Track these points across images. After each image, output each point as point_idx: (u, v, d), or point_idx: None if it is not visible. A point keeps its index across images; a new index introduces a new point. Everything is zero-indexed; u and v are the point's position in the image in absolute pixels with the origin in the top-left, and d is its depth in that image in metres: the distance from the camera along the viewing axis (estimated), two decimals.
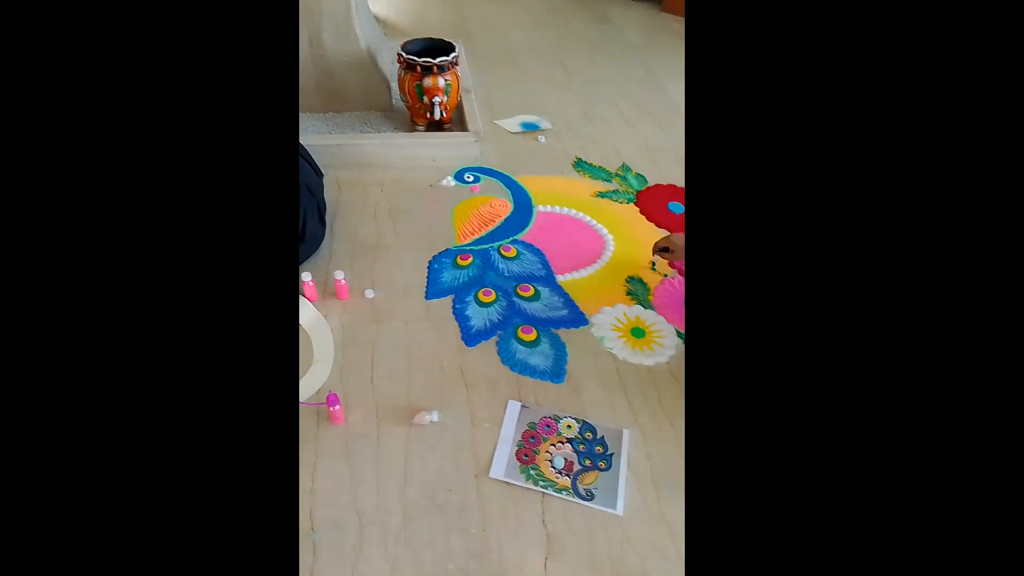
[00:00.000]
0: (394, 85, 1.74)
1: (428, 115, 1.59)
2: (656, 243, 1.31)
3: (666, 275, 1.34)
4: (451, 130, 1.69)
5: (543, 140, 1.75)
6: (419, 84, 1.56)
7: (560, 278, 1.32)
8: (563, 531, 0.89)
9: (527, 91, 1.99)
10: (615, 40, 2.39)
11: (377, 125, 1.70)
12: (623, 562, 0.86)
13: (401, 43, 1.61)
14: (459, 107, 1.72)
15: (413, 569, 0.83)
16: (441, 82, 1.55)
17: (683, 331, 1.22)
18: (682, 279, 1.33)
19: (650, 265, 1.35)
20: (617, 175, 1.64)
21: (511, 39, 2.34)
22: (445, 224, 1.43)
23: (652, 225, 1.49)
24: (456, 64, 1.60)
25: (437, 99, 1.55)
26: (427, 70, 1.54)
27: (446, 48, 1.61)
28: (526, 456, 0.98)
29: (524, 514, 0.91)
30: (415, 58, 1.54)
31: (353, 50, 1.62)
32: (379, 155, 1.55)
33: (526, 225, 1.45)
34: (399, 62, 1.59)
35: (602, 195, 1.56)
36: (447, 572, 0.83)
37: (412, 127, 1.68)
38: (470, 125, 1.63)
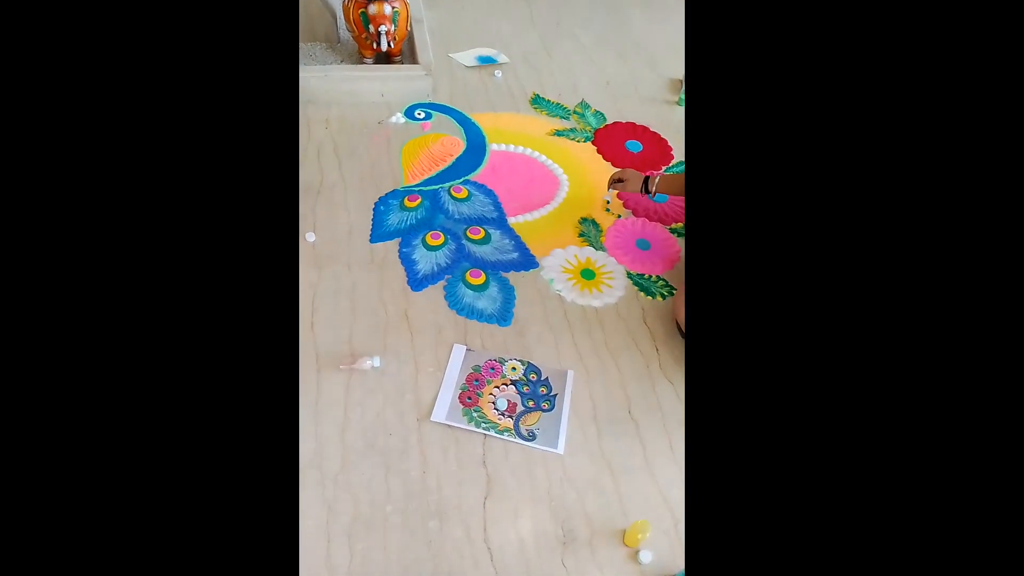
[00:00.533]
0: (341, 16, 1.62)
1: (375, 46, 1.49)
2: (612, 175, 1.28)
3: (619, 216, 1.32)
4: (401, 63, 1.60)
5: (499, 75, 1.67)
6: (364, 12, 1.45)
7: (512, 220, 1.28)
8: (503, 471, 0.90)
9: (484, 22, 1.88)
10: None
11: (322, 58, 1.60)
12: (561, 498, 0.88)
13: None
14: (410, 39, 1.62)
15: (351, 510, 0.84)
16: (387, 9, 1.45)
17: (633, 272, 1.21)
18: (634, 219, 1.31)
19: (604, 204, 1.33)
20: (575, 112, 1.58)
21: None
22: (393, 164, 1.37)
23: (608, 165, 1.45)
24: None
25: (383, 28, 1.45)
26: None
27: None
28: (469, 399, 0.97)
29: (464, 456, 0.91)
30: None
31: None
32: (322, 90, 1.46)
33: (479, 165, 1.40)
34: None
35: (559, 133, 1.51)
36: (385, 514, 0.84)
37: (360, 60, 1.58)
38: (420, 58, 1.54)
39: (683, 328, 1.05)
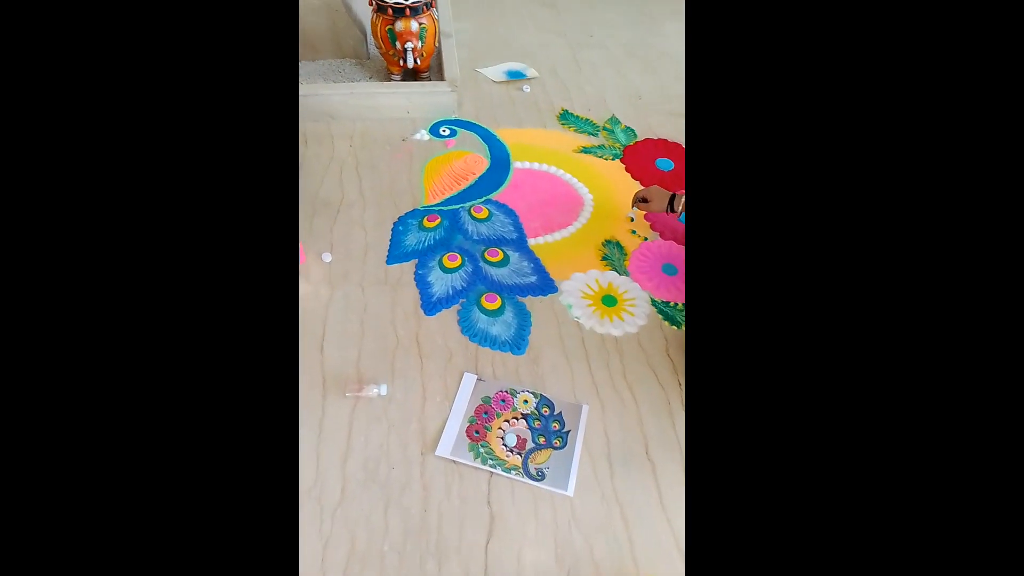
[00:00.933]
0: (369, 32, 1.62)
1: (401, 62, 1.48)
2: (636, 193, 1.22)
3: (645, 238, 1.26)
4: (429, 79, 1.58)
5: (527, 90, 1.63)
6: (391, 28, 1.45)
7: (532, 241, 1.24)
8: (508, 511, 0.86)
9: (514, 36, 1.86)
10: None
11: (350, 74, 1.60)
12: (568, 543, 0.83)
13: None
14: (437, 54, 1.61)
15: (347, 546, 0.81)
16: (414, 26, 1.44)
17: (658, 299, 1.15)
18: (661, 242, 1.25)
19: (628, 222, 1.27)
20: (604, 128, 1.53)
21: None
22: (415, 182, 1.35)
23: (637, 184, 1.39)
24: (432, 6, 1.48)
25: (410, 45, 1.44)
26: (399, 12, 1.43)
27: None
28: (477, 432, 0.93)
29: (468, 493, 0.87)
30: (386, 0, 1.43)
31: None
32: (348, 106, 1.46)
33: (501, 183, 1.37)
34: (370, 4, 1.47)
35: (586, 150, 1.46)
36: (382, 552, 0.81)
37: (388, 77, 1.58)
38: (447, 73, 1.52)
39: None
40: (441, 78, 1.54)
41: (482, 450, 0.91)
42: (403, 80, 1.56)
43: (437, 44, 1.57)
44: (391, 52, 1.49)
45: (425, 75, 1.58)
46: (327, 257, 1.16)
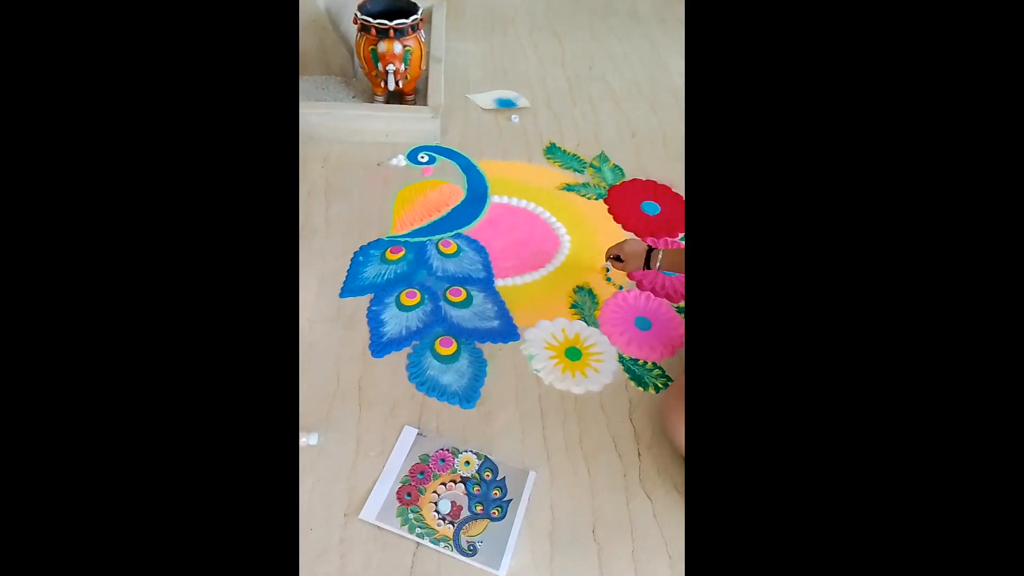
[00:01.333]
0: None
1: (383, 84, 1.43)
2: (609, 249, 1.14)
3: (620, 287, 1.18)
4: (415, 103, 1.53)
5: (516, 120, 1.57)
6: (374, 49, 1.40)
7: (500, 283, 1.17)
8: None
9: (512, 63, 1.80)
10: (621, 9, 2.16)
11: (335, 92, 1.55)
12: None
13: (360, 1, 1.44)
14: (425, 78, 1.56)
15: None
16: (398, 48, 1.39)
17: (626, 355, 1.06)
18: (638, 292, 1.17)
19: (603, 271, 1.19)
20: (592, 165, 1.46)
21: (505, 3, 2.14)
22: (385, 210, 1.29)
23: (619, 227, 1.32)
24: (418, 29, 1.43)
25: (391, 67, 1.39)
26: (383, 33, 1.38)
27: (411, 9, 1.44)
28: (408, 495, 0.85)
29: (390, 566, 0.79)
30: (370, 19, 1.38)
31: (309, 9, 1.46)
32: (325, 127, 1.40)
33: (475, 217, 1.30)
34: (355, 23, 1.42)
35: (569, 188, 1.39)
36: None
37: (373, 97, 1.52)
38: (431, 100, 1.47)
39: (672, 434, 0.90)
40: (427, 103, 1.48)
41: (411, 516, 0.83)
42: (387, 103, 1.51)
43: (424, 68, 1.52)
44: (374, 73, 1.44)
45: (410, 99, 1.53)
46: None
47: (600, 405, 0.99)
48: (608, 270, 1.19)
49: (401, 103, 1.52)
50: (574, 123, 1.59)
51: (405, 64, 1.42)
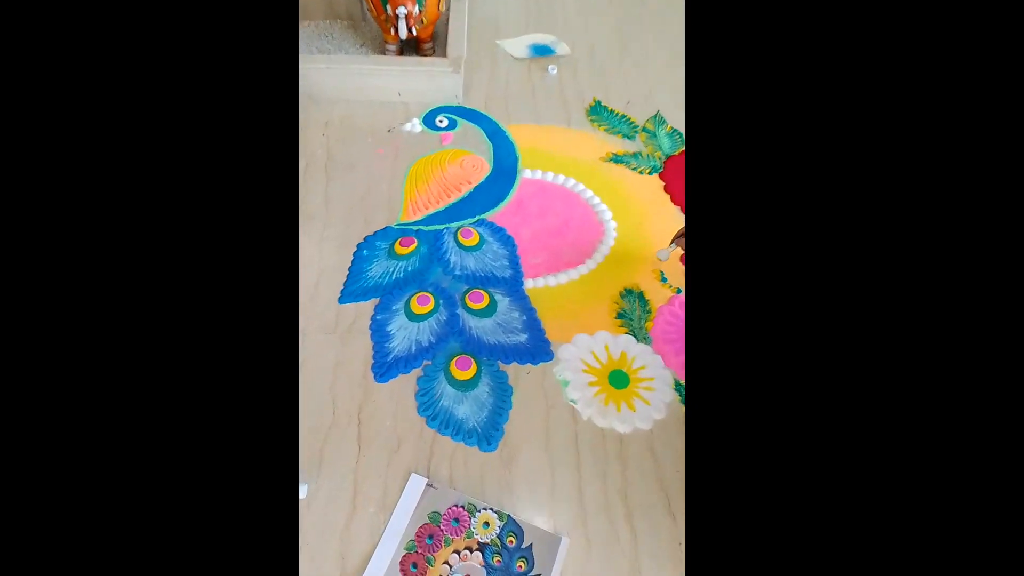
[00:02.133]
0: None
1: (394, 31, 1.19)
2: (681, 228, 0.93)
3: (678, 289, 0.97)
4: (433, 52, 1.29)
5: (554, 71, 1.32)
6: None
7: (530, 284, 0.97)
8: None
9: (548, 2, 1.52)
10: None
11: (340, 40, 1.32)
12: None
13: None
14: (445, 21, 1.31)
15: None
16: None
17: (683, 379, 0.87)
18: None
19: (656, 272, 0.98)
20: (644, 130, 1.22)
21: None
22: (395, 188, 1.09)
23: (677, 210, 1.09)
24: None
25: (402, 10, 1.14)
26: None
27: None
28: (414, 566, 0.70)
29: None
30: None
31: None
32: (326, 85, 1.19)
33: (502, 198, 1.09)
34: None
35: (617, 159, 1.16)
36: None
37: (383, 47, 1.29)
38: (451, 50, 1.23)
39: None
40: (446, 54, 1.24)
41: None
42: (400, 53, 1.27)
43: (443, 10, 1.27)
44: (383, 17, 1.20)
45: (428, 47, 1.29)
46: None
47: (650, 448, 0.81)
48: (663, 260, 0.97)
49: (417, 53, 1.29)
50: (622, 77, 1.33)
51: (420, 6, 1.17)
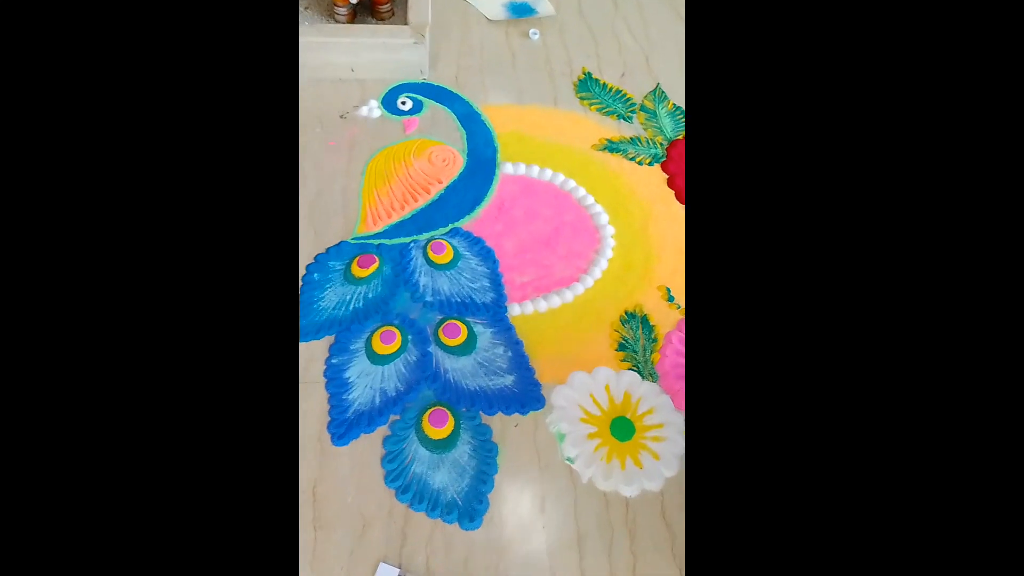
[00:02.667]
0: None
1: None
2: None
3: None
4: (391, 13, 1.08)
5: (536, 36, 1.12)
6: None
7: (516, 310, 0.82)
8: None
9: None
10: None
11: None
12: None
13: None
14: None
15: None
16: None
17: None
18: None
19: (663, 287, 0.83)
20: (643, 108, 1.04)
21: None
22: (350, 191, 0.91)
23: (683, 208, 0.93)
24: None
25: None
26: None
27: None
28: None
29: None
30: None
31: None
32: None
33: (480, 200, 0.92)
34: None
35: (612, 146, 0.99)
36: None
37: (332, 12, 1.08)
38: (413, 12, 1.02)
39: None
40: (407, 19, 1.04)
41: None
42: (351, 19, 1.06)
43: None
44: None
45: (386, 9, 1.08)
46: None
47: (661, 513, 0.69)
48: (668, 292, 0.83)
49: (373, 18, 1.08)
50: (616, 42, 1.14)
51: None
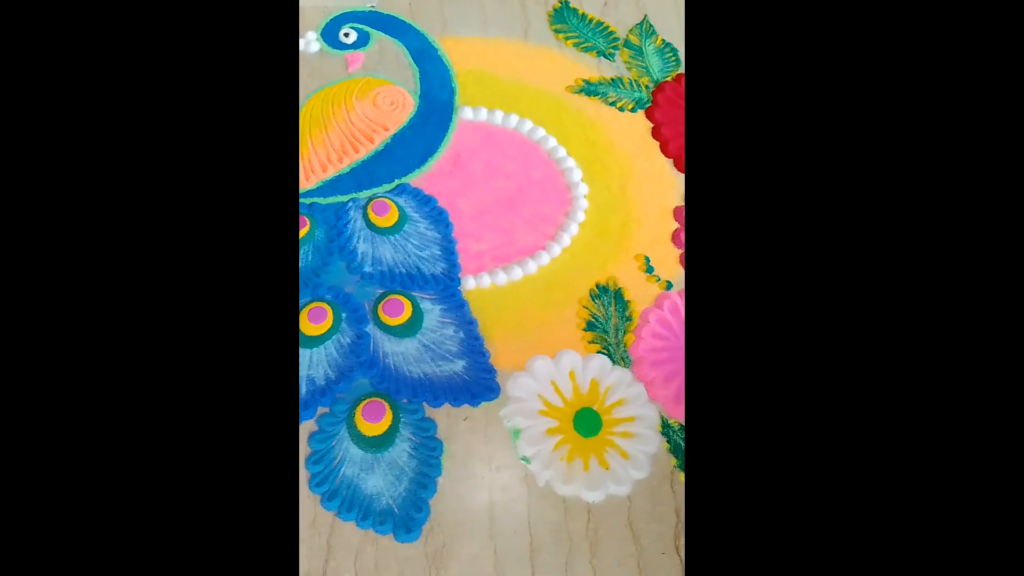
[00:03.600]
0: None
1: None
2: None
3: (669, 284, 0.72)
4: None
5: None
6: None
7: (471, 283, 0.70)
8: None
9: None
10: None
11: None
12: None
13: None
14: None
15: None
16: None
17: (672, 419, 0.65)
18: None
19: (642, 257, 0.72)
20: (627, 44, 0.90)
21: None
22: None
23: (670, 164, 0.81)
24: None
25: None
26: None
27: None
28: None
29: None
30: None
31: None
32: None
33: (433, 151, 0.79)
34: None
35: (590, 88, 0.85)
36: None
37: None
38: None
39: None
40: None
41: None
42: None
43: None
44: None
45: None
46: None
47: (628, 522, 0.60)
48: (647, 262, 0.71)
49: None
50: None
51: None
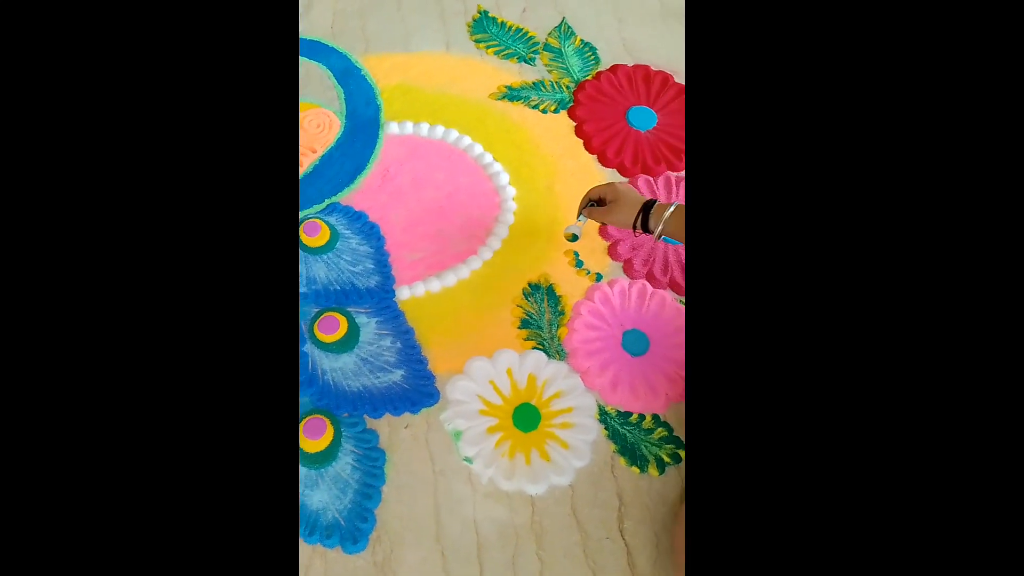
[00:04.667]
0: None
1: None
2: (589, 192, 0.69)
3: (598, 275, 0.74)
4: None
5: None
6: None
7: (406, 293, 0.72)
8: None
9: None
10: None
11: None
12: None
13: None
14: None
15: None
16: None
17: (610, 407, 0.67)
18: (628, 282, 0.73)
19: (568, 236, 0.73)
20: (547, 48, 0.92)
21: None
22: None
23: (594, 160, 0.83)
24: None
25: None
26: None
27: None
28: None
29: None
30: None
31: None
32: None
33: (362, 168, 0.80)
34: None
35: (512, 94, 0.87)
36: None
37: None
38: None
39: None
40: None
41: None
42: None
43: None
44: None
45: None
46: None
47: (572, 511, 0.62)
48: (575, 238, 0.72)
49: None
50: None
51: None
